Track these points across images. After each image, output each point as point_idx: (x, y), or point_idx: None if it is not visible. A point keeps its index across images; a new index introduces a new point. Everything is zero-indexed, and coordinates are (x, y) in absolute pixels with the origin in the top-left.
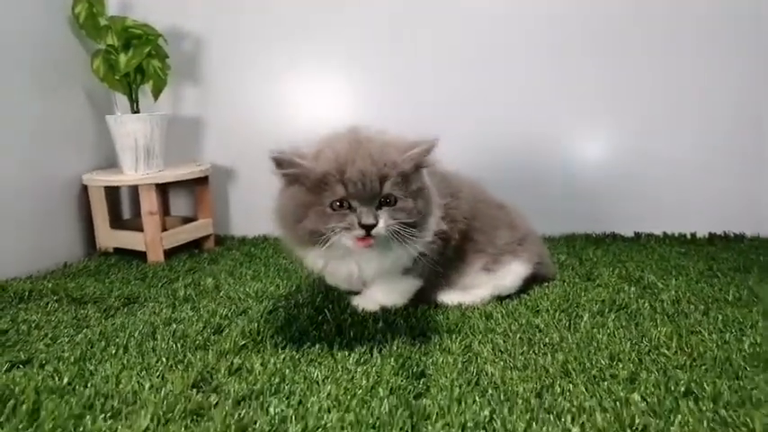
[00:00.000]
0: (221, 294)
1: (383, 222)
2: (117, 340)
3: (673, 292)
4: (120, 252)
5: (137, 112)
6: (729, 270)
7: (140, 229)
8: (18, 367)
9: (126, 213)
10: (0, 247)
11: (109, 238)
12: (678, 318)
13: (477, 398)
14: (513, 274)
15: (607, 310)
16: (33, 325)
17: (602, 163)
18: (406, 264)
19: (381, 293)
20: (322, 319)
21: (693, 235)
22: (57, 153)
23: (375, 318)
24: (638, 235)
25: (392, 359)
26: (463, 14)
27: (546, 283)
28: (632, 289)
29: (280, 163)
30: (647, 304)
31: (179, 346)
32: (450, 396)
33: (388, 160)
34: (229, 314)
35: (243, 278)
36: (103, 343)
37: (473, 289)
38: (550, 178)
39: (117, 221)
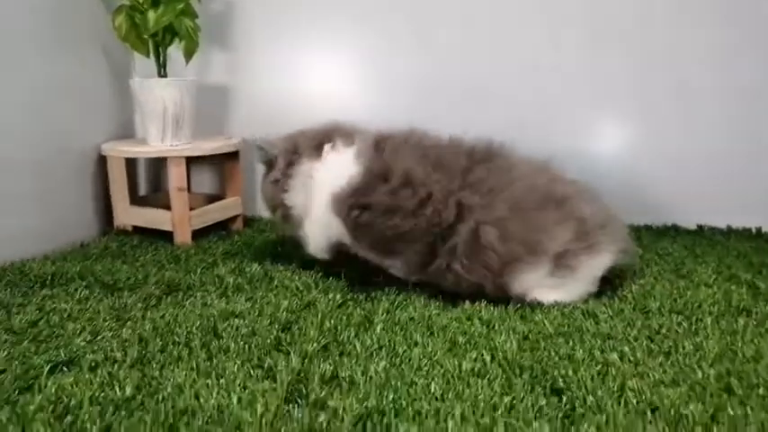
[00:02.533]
0: (275, 284)
1: None
2: (175, 338)
3: None
4: (140, 231)
5: (164, 76)
6: None
7: (162, 207)
8: (62, 370)
9: (142, 189)
10: (12, 222)
11: (128, 215)
12: None
13: (645, 424)
14: (586, 278)
15: (729, 315)
16: (65, 315)
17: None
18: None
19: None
20: (406, 317)
21: (759, 230)
22: (71, 119)
23: (470, 322)
24: (700, 227)
25: (516, 370)
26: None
27: (641, 280)
28: (742, 290)
29: None
30: None
31: (252, 346)
32: (614, 421)
33: None
34: (294, 307)
35: (291, 265)
36: (159, 341)
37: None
38: (602, 167)
39: (133, 197)
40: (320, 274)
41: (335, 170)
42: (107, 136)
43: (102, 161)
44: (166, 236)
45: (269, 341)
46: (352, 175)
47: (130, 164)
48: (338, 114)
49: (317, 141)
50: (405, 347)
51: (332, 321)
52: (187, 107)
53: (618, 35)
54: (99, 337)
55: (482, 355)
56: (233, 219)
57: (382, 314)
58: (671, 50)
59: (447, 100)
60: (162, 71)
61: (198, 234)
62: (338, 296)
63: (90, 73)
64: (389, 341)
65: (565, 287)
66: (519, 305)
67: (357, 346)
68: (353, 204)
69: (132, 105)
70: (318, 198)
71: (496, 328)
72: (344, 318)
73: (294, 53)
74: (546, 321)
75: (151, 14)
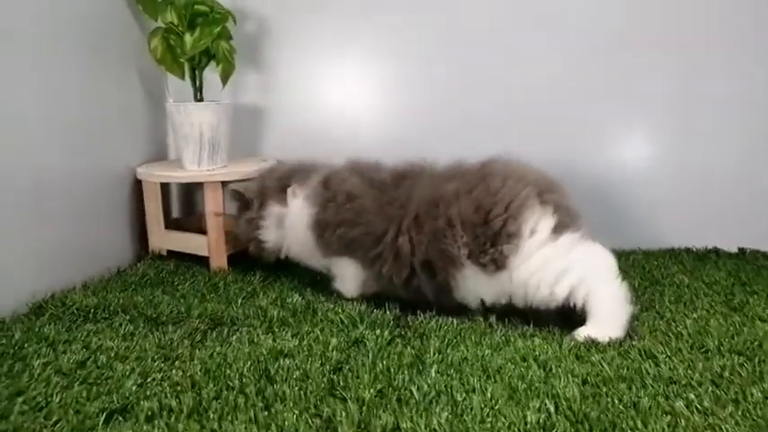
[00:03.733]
0: (319, 317)
1: None
2: (228, 382)
3: None
4: (174, 255)
5: (200, 100)
6: None
7: (195, 229)
8: (117, 419)
9: (175, 211)
10: (49, 249)
11: (163, 239)
12: None
13: None
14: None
15: None
16: (113, 354)
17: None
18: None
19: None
20: (459, 357)
21: None
22: (107, 143)
23: (526, 363)
24: (742, 251)
25: (583, 422)
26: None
27: (693, 314)
28: None
29: None
30: None
31: (307, 392)
32: None
33: None
34: (342, 345)
35: (332, 295)
36: (212, 385)
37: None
38: (638, 188)
39: (167, 220)
40: (363, 305)
41: (299, 211)
42: (141, 158)
43: (136, 184)
44: (202, 260)
45: (322, 385)
46: (310, 213)
47: (163, 186)
48: (369, 135)
49: (281, 185)
50: (463, 394)
51: (384, 363)
52: (223, 131)
53: (645, 50)
54: (149, 380)
55: (545, 404)
56: None
57: (434, 354)
58: (704, 69)
59: (474, 119)
60: (198, 95)
61: (233, 258)
62: (386, 332)
63: (125, 95)
64: (446, 386)
65: (594, 321)
66: (572, 343)
67: (414, 393)
68: (316, 224)
69: (165, 127)
70: (296, 237)
71: (554, 370)
72: (396, 357)
73: (327, 73)
74: (604, 363)
75: (188, 38)
